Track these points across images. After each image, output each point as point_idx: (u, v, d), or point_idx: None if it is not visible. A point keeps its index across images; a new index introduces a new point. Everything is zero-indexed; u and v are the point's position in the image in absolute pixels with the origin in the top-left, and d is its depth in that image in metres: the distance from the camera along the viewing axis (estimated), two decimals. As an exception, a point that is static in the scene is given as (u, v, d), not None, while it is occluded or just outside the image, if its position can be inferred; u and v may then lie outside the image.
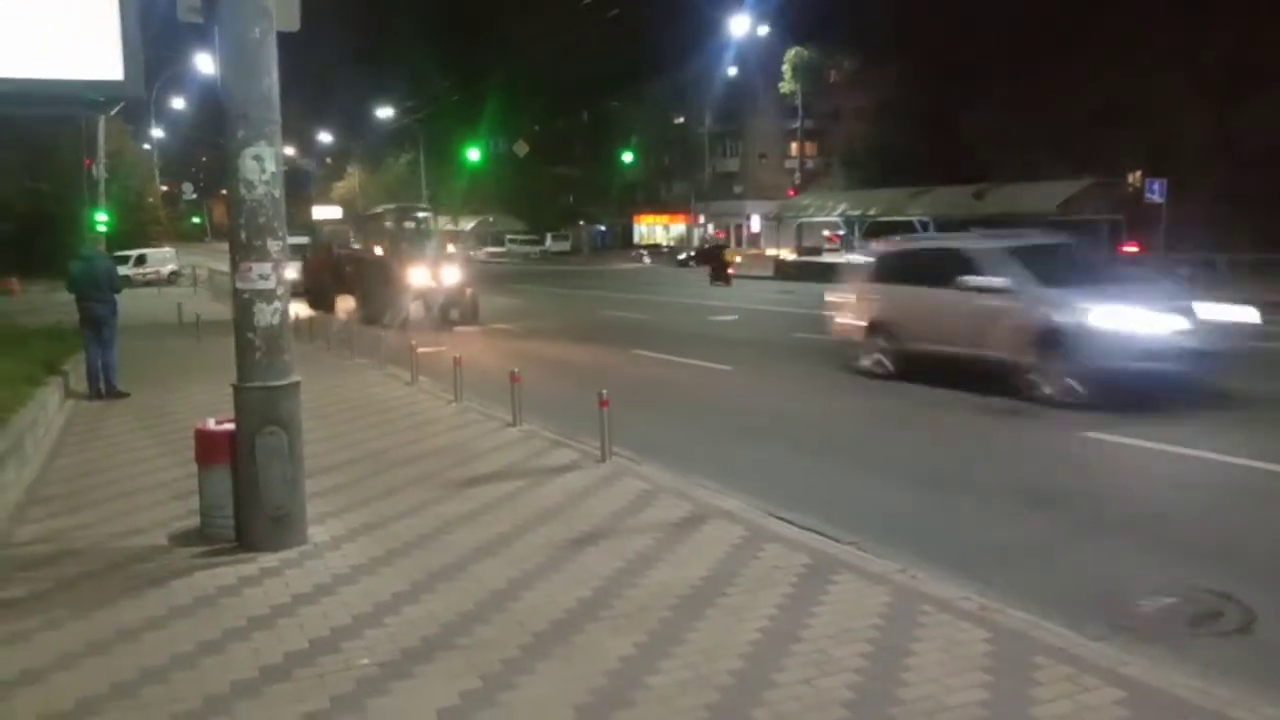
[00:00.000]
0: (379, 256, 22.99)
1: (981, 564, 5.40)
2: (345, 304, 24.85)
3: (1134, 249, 30.07)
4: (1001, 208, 32.75)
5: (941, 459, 8.19)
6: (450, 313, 21.83)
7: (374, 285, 22.35)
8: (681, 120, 72.03)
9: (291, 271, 30.23)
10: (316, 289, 26.23)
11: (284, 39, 5.77)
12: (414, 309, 21.65)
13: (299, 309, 16.84)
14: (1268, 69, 33.46)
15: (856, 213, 38.92)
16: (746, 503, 6.42)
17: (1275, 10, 33.23)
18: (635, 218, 77.98)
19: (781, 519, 6.05)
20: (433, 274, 21.76)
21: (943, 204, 35.08)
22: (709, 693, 3.75)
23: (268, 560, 5.44)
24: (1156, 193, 29.24)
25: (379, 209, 25.80)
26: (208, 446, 5.83)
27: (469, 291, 22.14)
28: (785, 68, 56.75)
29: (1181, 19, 34.79)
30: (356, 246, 25.59)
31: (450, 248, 25.68)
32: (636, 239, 74.60)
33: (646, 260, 56.05)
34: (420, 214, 25.44)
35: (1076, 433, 8.65)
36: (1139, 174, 34.37)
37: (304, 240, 33.96)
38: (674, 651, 4.13)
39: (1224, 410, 9.54)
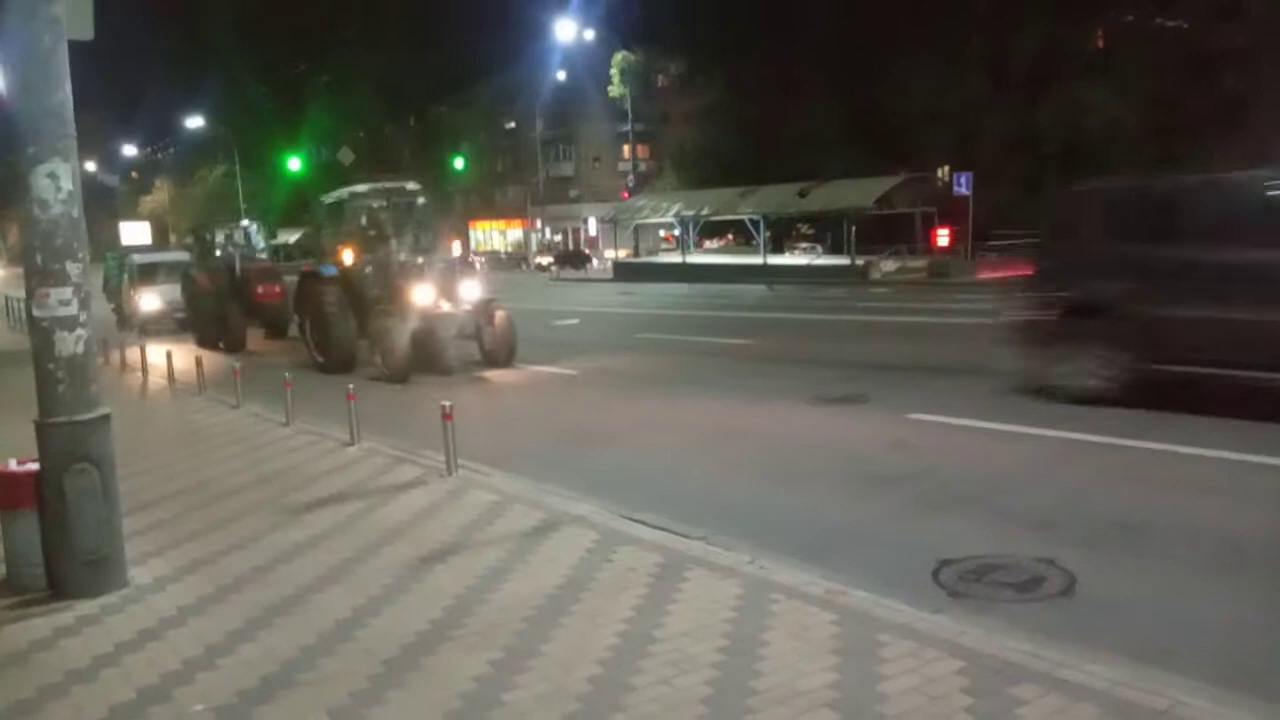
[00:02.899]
0: (349, 268, 15.63)
1: (824, 548, 5.57)
2: (268, 341, 21.03)
3: (945, 235, 32.06)
4: (824, 204, 34.19)
5: (776, 451, 8.43)
6: (482, 347, 14.72)
7: (338, 314, 15.10)
8: (513, 125, 71.53)
9: (160, 300, 24.35)
10: (207, 319, 20.90)
11: (79, 47, 5.36)
12: (422, 346, 13.97)
13: (170, 348, 15.44)
14: (1064, 71, 36.38)
15: (690, 213, 39.71)
16: (599, 506, 6.41)
17: (1071, 18, 36.23)
18: (470, 224, 76.96)
19: (634, 520, 6.07)
20: (445, 289, 14.67)
21: (770, 202, 36.25)
22: (568, 703, 3.71)
23: (85, 608, 5.03)
24: (964, 185, 31.22)
25: (343, 193, 16.71)
26: (9, 490, 5.31)
27: (500, 315, 14.67)
28: (613, 72, 57.27)
29: (989, 25, 37.35)
30: (297, 260, 20.53)
31: (453, 246, 19.00)
32: (472, 245, 73.60)
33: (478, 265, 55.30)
34: (414, 196, 16.75)
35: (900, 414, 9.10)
36: (947, 168, 36.56)
37: (180, 257, 28.65)
38: (530, 665, 4.06)
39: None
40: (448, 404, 7.53)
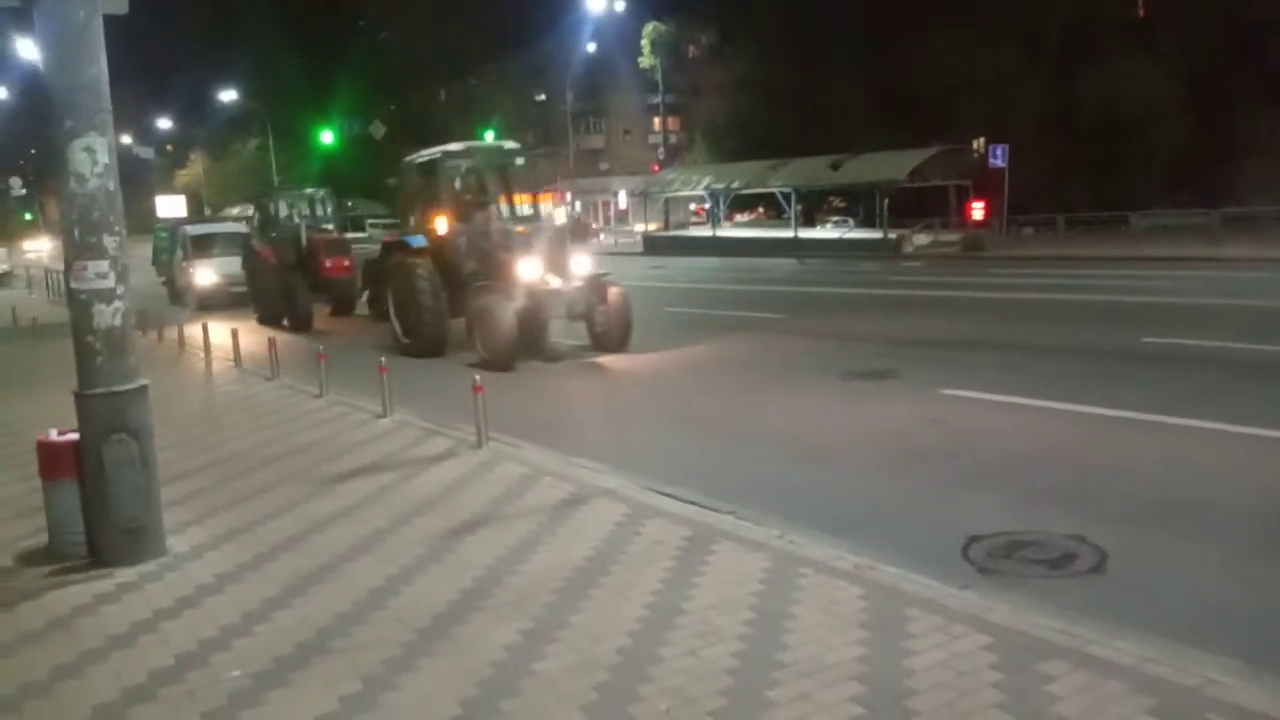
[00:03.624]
0: (442, 238, 13.83)
1: (853, 523, 5.57)
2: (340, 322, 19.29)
3: (980, 208, 31.66)
4: (856, 177, 33.82)
5: (807, 426, 8.41)
6: (592, 328, 12.89)
7: (429, 290, 13.37)
8: (543, 98, 71.32)
9: (215, 274, 22.87)
10: (270, 294, 19.14)
11: (114, 21, 5.40)
12: (527, 327, 12.23)
13: (238, 326, 14.33)
14: (1103, 42, 35.64)
15: (720, 186, 39.43)
16: (627, 480, 6.44)
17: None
18: (501, 197, 76.96)
19: (662, 494, 6.10)
20: (553, 262, 12.70)
21: (801, 175, 35.89)
22: (597, 673, 3.75)
23: (125, 575, 5.14)
24: (999, 158, 30.75)
25: (435, 153, 14.58)
26: (51, 459, 5.44)
27: (614, 292, 12.79)
28: (644, 43, 56.84)
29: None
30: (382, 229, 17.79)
31: (555, 212, 15.35)
32: (575, 209, 73.56)
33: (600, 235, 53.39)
34: (512, 155, 15.07)
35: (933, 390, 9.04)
36: (983, 140, 36.01)
37: (235, 229, 26.79)
38: (560, 635, 4.11)
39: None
40: (478, 377, 7.58)
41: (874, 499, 6.23)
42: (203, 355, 13.94)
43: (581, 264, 12.92)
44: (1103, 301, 16.02)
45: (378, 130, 53.57)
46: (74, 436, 5.35)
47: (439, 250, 13.81)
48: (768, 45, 46.69)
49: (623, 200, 66.35)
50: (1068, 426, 7.72)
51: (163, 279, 27.35)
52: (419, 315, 13.52)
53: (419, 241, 14.17)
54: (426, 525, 5.72)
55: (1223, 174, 31.79)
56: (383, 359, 9.62)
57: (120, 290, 5.25)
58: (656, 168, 52.28)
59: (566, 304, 12.57)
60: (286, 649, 4.13)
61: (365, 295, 17.73)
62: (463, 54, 63.00)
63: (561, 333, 13.16)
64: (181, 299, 23.84)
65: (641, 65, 57.85)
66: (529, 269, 12.47)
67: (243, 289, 21.38)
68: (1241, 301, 14.92)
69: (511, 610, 4.40)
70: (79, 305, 5.21)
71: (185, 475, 7.16)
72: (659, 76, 53.83)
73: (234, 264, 22.00)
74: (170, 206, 77.74)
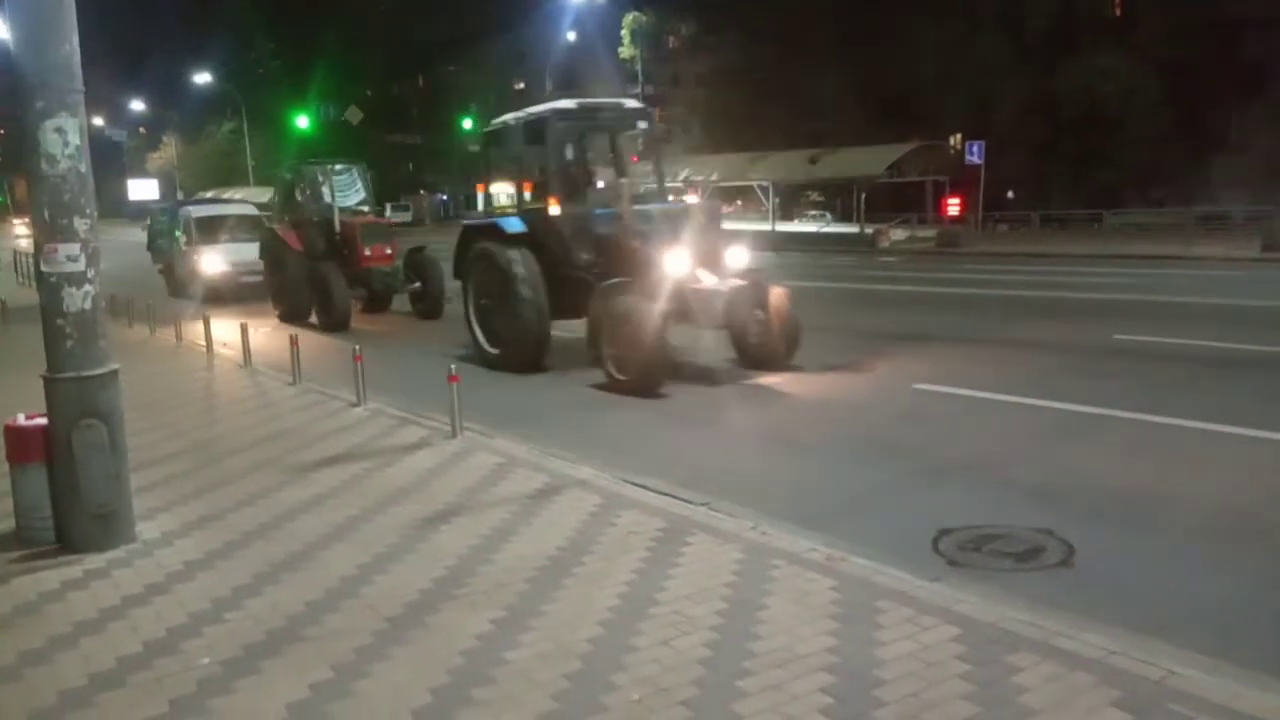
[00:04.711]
0: (550, 221, 10.99)
1: (825, 515, 5.61)
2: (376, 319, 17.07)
3: (956, 204, 31.91)
4: (835, 171, 33.95)
5: (779, 419, 8.44)
6: (745, 339, 10.27)
7: (530, 287, 10.67)
8: (522, 86, 70.92)
9: (223, 261, 20.37)
10: (296, 286, 16.58)
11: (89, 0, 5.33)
12: (677, 334, 10.06)
13: (260, 327, 13.48)
14: (1082, 37, 35.93)
15: (699, 178, 39.43)
16: (601, 471, 6.45)
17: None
18: (479, 186, 76.56)
19: (636, 485, 6.11)
20: (705, 255, 10.14)
21: (780, 168, 35.99)
22: (570, 662, 3.76)
23: (94, 561, 5.09)
24: (976, 154, 31.00)
25: (543, 111, 11.50)
26: (19, 443, 5.37)
27: (777, 293, 10.14)
28: (624, 32, 56.68)
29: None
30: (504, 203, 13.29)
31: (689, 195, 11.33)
32: (480, 208, 73.26)
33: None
34: (636, 117, 12.18)
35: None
36: (959, 137, 36.25)
37: (245, 210, 23.88)
38: (533, 624, 4.11)
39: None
40: (453, 366, 7.55)
41: (846, 491, 6.27)
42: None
43: (738, 256, 10.37)
44: (1075, 299, 16.19)
45: (354, 115, 53.12)
46: (43, 421, 5.29)
47: (541, 236, 11.01)
48: (748, 37, 46.72)
49: (601, 190, 66.14)
50: (1038, 421, 7.81)
51: (160, 267, 24.51)
52: (514, 319, 10.76)
53: (514, 225, 11.27)
54: (401, 514, 5.70)
55: (1198, 171, 32.20)
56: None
57: (91, 274, 5.18)
58: (635, 159, 52.18)
59: (724, 308, 9.75)
60: (257, 636, 4.11)
61: (413, 287, 16.59)
62: (442, 40, 62.57)
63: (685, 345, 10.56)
64: (184, 290, 21.15)
65: (621, 56, 57.71)
66: (677, 262, 9.82)
67: (255, 279, 19.12)
68: (1212, 300, 15.12)
69: (484, 599, 4.40)
70: (49, 288, 5.14)
71: (155, 462, 7.10)
72: (639, 67, 53.74)
73: (245, 250, 19.83)
74: (143, 190, 76.77)
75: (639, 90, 54.27)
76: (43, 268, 5.15)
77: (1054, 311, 14.68)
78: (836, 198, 41.64)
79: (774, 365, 10.12)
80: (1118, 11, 39.24)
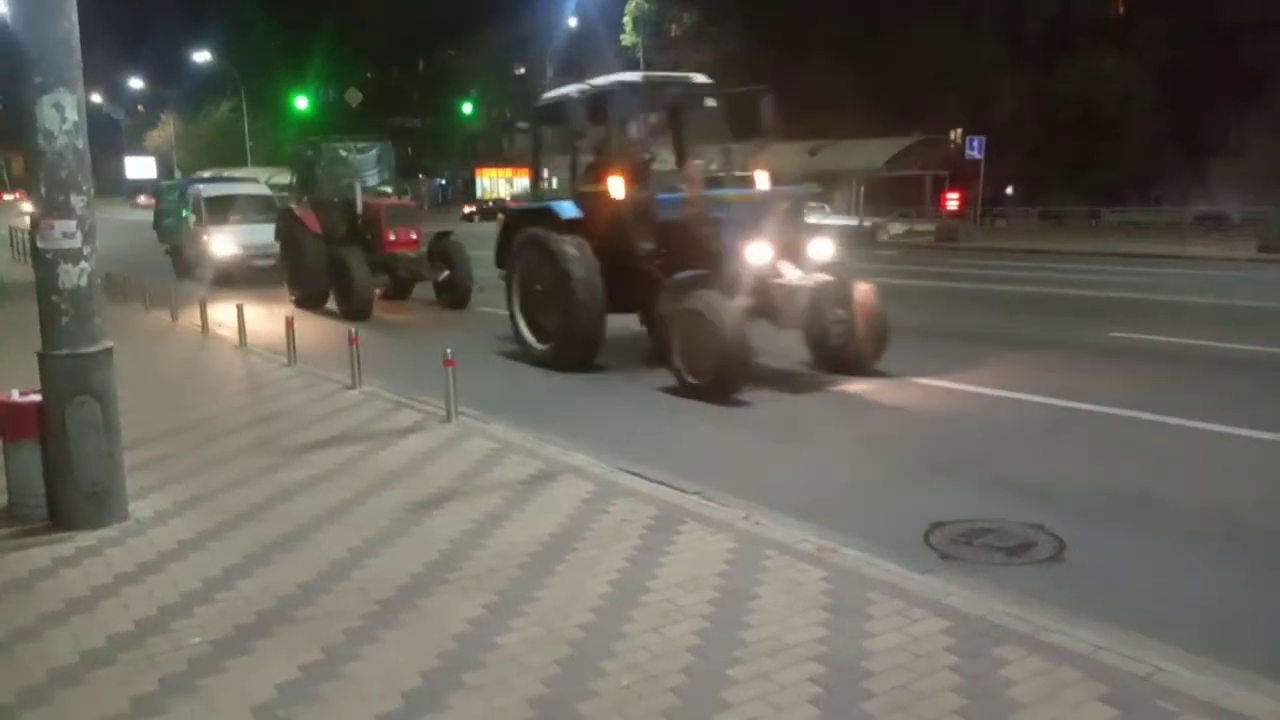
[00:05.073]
0: (611, 205, 10.00)
1: (818, 507, 5.62)
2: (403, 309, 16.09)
3: (955, 199, 31.94)
4: (834, 163, 33.94)
5: (774, 410, 8.45)
6: (824, 340, 9.25)
7: (585, 278, 9.77)
8: (523, 71, 70.69)
9: (235, 243, 19.71)
10: (313, 271, 15.84)
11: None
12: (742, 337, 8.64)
13: (281, 311, 12.78)
14: (1082, 38, 35.91)
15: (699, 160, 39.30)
16: (595, 458, 6.45)
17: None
18: (477, 171, 76.42)
19: (630, 473, 6.11)
20: (788, 246, 9.26)
21: (779, 160, 35.84)
22: (560, 648, 3.77)
23: (86, 539, 5.09)
24: (976, 149, 30.99)
25: (609, 84, 10.47)
26: (12, 420, 5.35)
27: (864, 290, 9.36)
28: (626, 20, 56.46)
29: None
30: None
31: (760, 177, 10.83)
32: (479, 193, 73.16)
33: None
34: (703, 92, 10.97)
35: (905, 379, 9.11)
36: (960, 132, 36.23)
37: (257, 190, 22.95)
38: (524, 610, 4.12)
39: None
40: (449, 350, 7.55)
41: (839, 483, 6.29)
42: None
43: (822, 249, 9.45)
44: (1072, 295, 16.22)
45: (354, 98, 52.93)
46: (36, 398, 5.28)
47: (600, 222, 10.06)
48: (750, 28, 46.58)
49: (599, 178, 66.05)
50: (1032, 417, 7.83)
51: (166, 247, 23.81)
52: (567, 313, 9.91)
53: (569, 210, 10.40)
54: (394, 497, 5.70)
55: (1195, 172, 32.23)
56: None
57: (87, 250, 5.16)
58: (636, 147, 52.04)
59: (809, 306, 8.88)
60: (248, 617, 4.12)
61: (443, 275, 15.72)
62: (443, 24, 62.34)
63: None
64: (192, 272, 20.66)
65: (623, 43, 57.50)
66: (758, 253, 8.97)
67: (267, 262, 18.58)
68: (1207, 300, 15.16)
69: (476, 584, 4.41)
70: (45, 265, 5.12)
71: (148, 440, 7.09)
72: (640, 55, 53.53)
73: (258, 232, 19.19)
74: (140, 168, 76.40)
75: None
76: (39, 244, 5.13)
77: (1050, 308, 14.70)
78: (835, 190, 41.63)
79: (856, 369, 9.35)
80: (1121, 10, 39.19)
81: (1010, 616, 3.93)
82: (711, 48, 52.57)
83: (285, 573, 4.60)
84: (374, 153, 17.73)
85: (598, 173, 10.44)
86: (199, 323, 13.04)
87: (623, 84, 10.40)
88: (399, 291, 16.82)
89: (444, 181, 77.63)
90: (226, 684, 3.57)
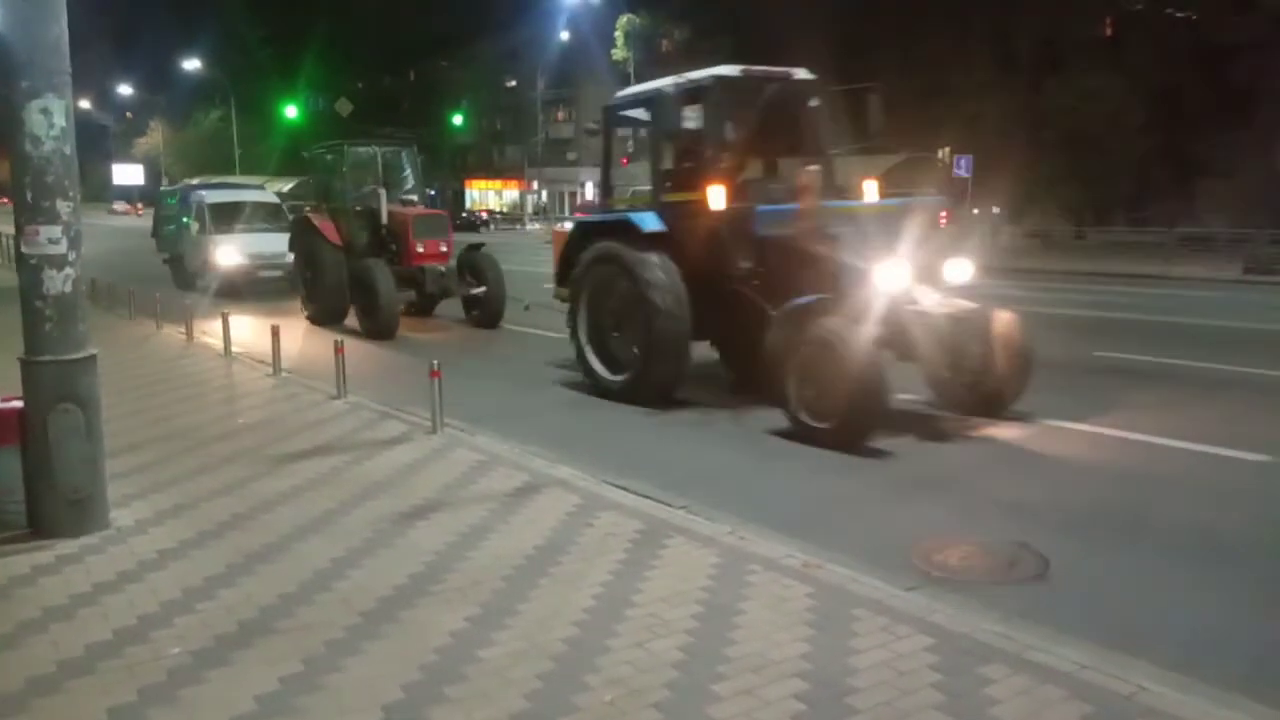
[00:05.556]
0: (704, 217, 8.79)
1: (803, 523, 5.62)
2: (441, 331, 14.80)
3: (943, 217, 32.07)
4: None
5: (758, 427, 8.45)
6: (957, 374, 8.03)
7: (670, 301, 8.65)
8: (514, 84, 70.91)
9: (241, 253, 18.76)
10: (332, 284, 14.74)
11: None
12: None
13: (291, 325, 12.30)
14: (1071, 58, 36.21)
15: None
16: (581, 471, 6.43)
17: (1080, 4, 35.99)
18: (466, 183, 76.57)
19: (616, 486, 6.10)
20: (925, 267, 7.99)
21: (769, 175, 35.99)
22: (543, 662, 3.75)
23: (66, 547, 5.04)
24: (964, 168, 31.17)
25: (703, 78, 9.36)
26: (-8, 426, 5.32)
27: (1005, 319, 8.16)
28: (618, 34, 56.71)
29: (995, 6, 37.08)
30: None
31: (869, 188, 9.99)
32: (468, 204, 73.23)
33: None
34: (807, 91, 9.87)
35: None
36: (948, 150, 36.45)
37: (263, 196, 22.09)
38: (507, 623, 4.10)
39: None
40: (435, 361, 7.53)
41: (824, 499, 6.29)
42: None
43: (960, 270, 8.19)
44: (1056, 314, 16.28)
45: (344, 107, 52.88)
46: (18, 404, 5.23)
47: (689, 237, 8.87)
48: (741, 42, 46.84)
49: (589, 191, 66.22)
50: (1015, 435, 7.84)
51: (165, 256, 22.75)
52: (648, 340, 8.72)
53: (651, 223, 9.15)
54: (378, 508, 5.67)
55: (1183, 192, 32.49)
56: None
57: (72, 256, 5.13)
58: (625, 161, 52.20)
59: (951, 337, 7.68)
60: (228, 627, 4.08)
61: (478, 290, 14.60)
62: (435, 35, 62.48)
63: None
64: (194, 282, 19.79)
65: (614, 58, 57.74)
66: (894, 275, 7.69)
67: (275, 273, 17.89)
68: (1191, 320, 15.27)
69: (459, 596, 4.38)
70: (29, 270, 5.09)
71: (130, 448, 7.04)
72: (631, 69, 53.74)
73: (265, 241, 18.50)
74: (127, 175, 76.08)
75: (631, 93, 54.33)
76: (23, 249, 5.10)
77: (1035, 326, 14.71)
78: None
79: (989, 410, 8.11)
80: (1109, 32, 39.57)
81: (994, 634, 3.93)
82: (702, 63, 52.82)
83: (267, 583, 4.57)
84: (402, 156, 16.59)
85: (684, 179, 9.30)
86: (184, 332, 12.96)
87: (719, 78, 9.31)
88: (422, 308, 15.65)
89: (434, 192, 77.53)
90: (206, 695, 3.53)
